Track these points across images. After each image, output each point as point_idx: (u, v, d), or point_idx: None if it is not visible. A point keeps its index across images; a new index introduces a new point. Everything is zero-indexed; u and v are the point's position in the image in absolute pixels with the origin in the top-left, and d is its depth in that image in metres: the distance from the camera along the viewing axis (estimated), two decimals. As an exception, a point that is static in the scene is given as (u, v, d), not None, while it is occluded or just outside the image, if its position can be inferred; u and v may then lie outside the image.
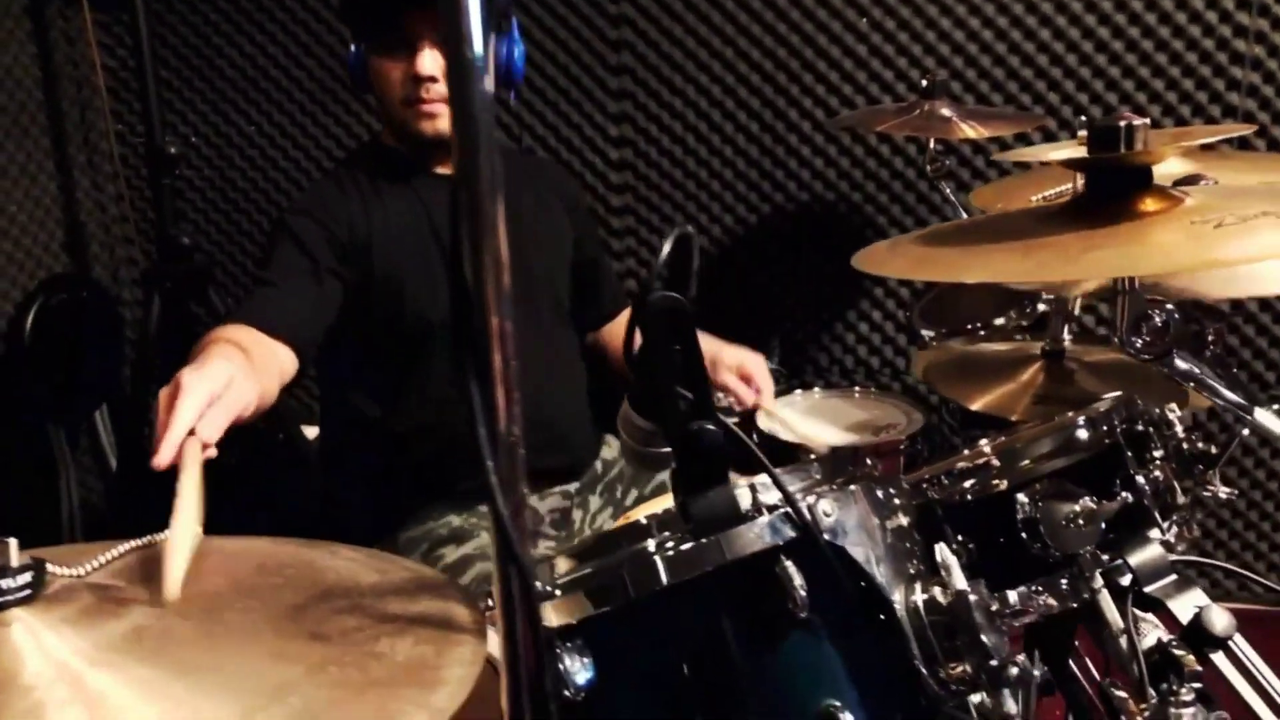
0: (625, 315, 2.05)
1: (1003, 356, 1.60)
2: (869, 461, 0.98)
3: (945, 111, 2.23)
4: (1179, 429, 1.14)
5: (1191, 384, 1.09)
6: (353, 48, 1.76)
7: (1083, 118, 2.16)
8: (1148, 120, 1.03)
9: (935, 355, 1.68)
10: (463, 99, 0.64)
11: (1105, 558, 1.04)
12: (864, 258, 1.13)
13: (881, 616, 0.86)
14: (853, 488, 0.89)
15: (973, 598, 0.85)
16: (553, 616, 0.86)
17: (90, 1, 2.64)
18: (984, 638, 0.84)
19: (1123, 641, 0.99)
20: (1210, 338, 1.35)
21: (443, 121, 1.71)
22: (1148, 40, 2.39)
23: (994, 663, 0.84)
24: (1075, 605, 1.03)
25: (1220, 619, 0.97)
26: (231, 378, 1.21)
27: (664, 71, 2.66)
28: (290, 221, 1.72)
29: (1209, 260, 0.96)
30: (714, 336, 1.83)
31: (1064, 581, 1.04)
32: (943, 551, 0.88)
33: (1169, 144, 1.11)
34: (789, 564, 0.84)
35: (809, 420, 2.27)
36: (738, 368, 1.82)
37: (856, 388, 2.05)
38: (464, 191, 0.64)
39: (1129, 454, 1.08)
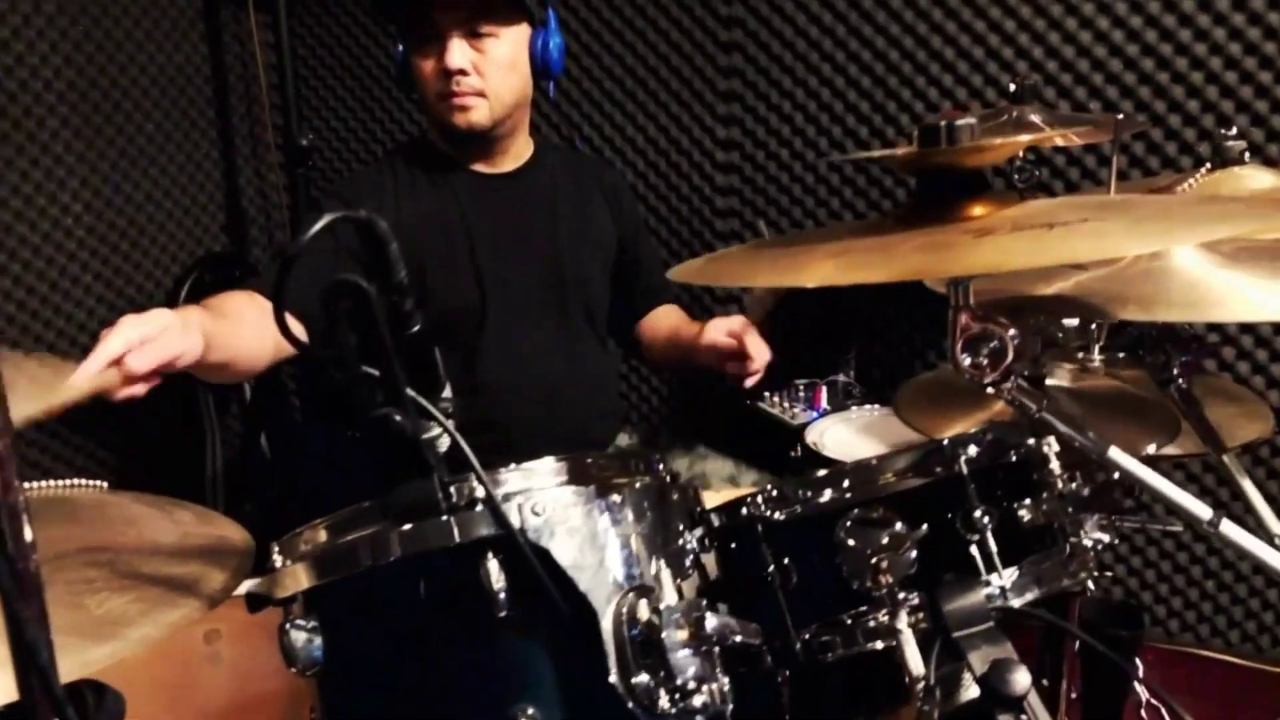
0: (665, 307, 2.08)
1: (970, 384, 1.47)
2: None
3: (1035, 117, 2.09)
4: (1054, 465, 1.04)
5: (1034, 415, 0.99)
6: (398, 47, 1.86)
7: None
8: (973, 120, 0.95)
9: (915, 382, 1.58)
10: None
11: (912, 596, 0.96)
12: (682, 270, 1.10)
13: (585, 623, 0.85)
14: (576, 489, 0.88)
15: (675, 616, 0.82)
16: (281, 587, 0.90)
17: (256, 6, 2.90)
18: (671, 657, 0.81)
19: (919, 688, 0.92)
20: (1175, 370, 1.21)
21: (475, 114, 1.77)
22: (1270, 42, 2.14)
23: (679, 683, 0.81)
24: (874, 646, 0.96)
25: (1016, 677, 0.88)
26: (168, 325, 1.30)
27: (773, 73, 2.63)
28: (323, 204, 1.85)
29: (1005, 262, 0.87)
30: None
31: (870, 619, 0.97)
32: (656, 565, 0.85)
33: (999, 143, 1.00)
34: (493, 561, 0.84)
35: (860, 437, 2.19)
36: (725, 328, 1.78)
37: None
38: None
39: (971, 486, 1.00)
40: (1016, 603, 0.99)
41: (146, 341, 1.27)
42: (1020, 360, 0.94)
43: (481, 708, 0.85)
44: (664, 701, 0.81)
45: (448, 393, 0.91)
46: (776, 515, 1.01)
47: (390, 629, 0.88)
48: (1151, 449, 1.26)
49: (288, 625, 0.90)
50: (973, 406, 1.41)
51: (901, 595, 0.95)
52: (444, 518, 0.84)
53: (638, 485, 0.92)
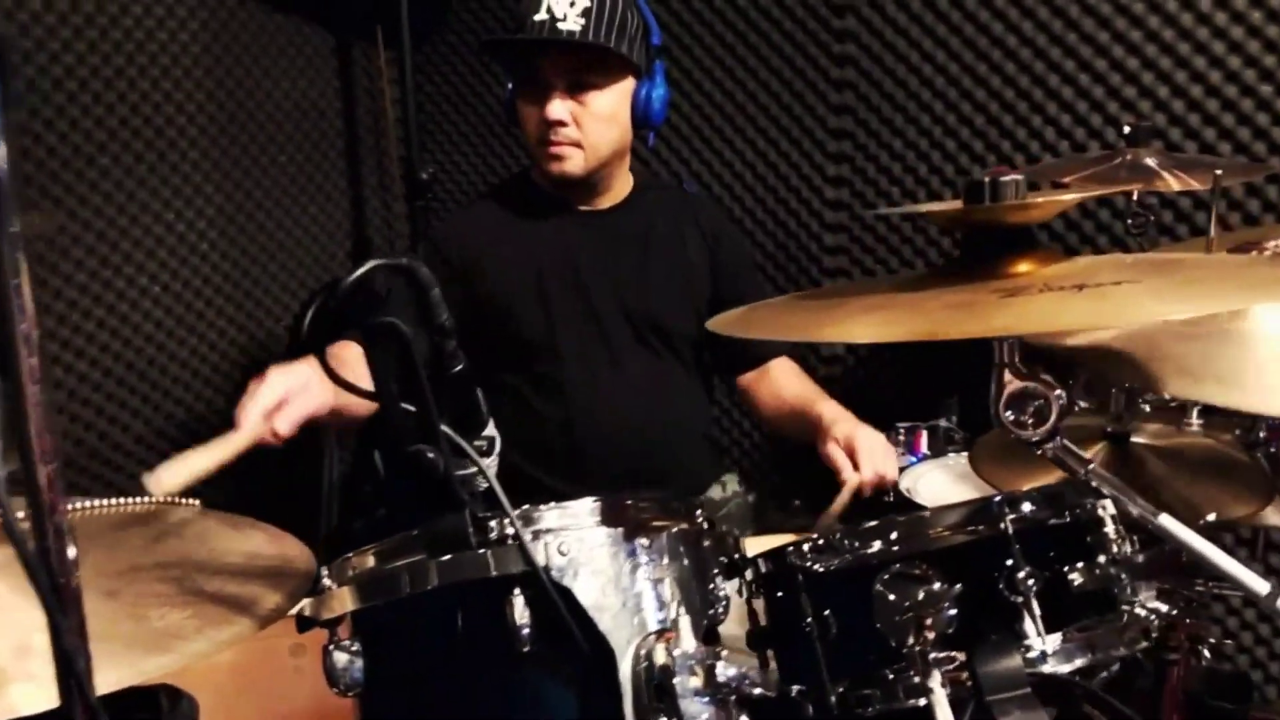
0: (783, 366, 2.06)
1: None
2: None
3: (1150, 161, 2.02)
4: (1109, 529, 1.00)
5: (1080, 475, 0.95)
6: (509, 86, 1.92)
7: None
8: (1018, 177, 0.93)
9: (992, 435, 1.52)
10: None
11: (952, 656, 0.94)
12: (721, 321, 1.10)
13: (605, 664, 0.86)
14: (606, 531, 0.89)
15: (689, 663, 0.83)
16: (327, 609, 0.95)
17: (385, 43, 3.04)
18: (683, 703, 0.82)
19: (951, 751, 0.90)
20: (1263, 434, 1.15)
21: (569, 164, 1.82)
22: None
23: (690, 731, 0.81)
24: (911, 703, 0.94)
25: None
26: (309, 380, 1.40)
27: (884, 111, 2.61)
28: (418, 248, 1.92)
29: (1021, 325, 0.84)
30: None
31: (907, 676, 0.96)
32: (678, 611, 0.86)
33: (1043, 201, 0.96)
34: (519, 597, 0.87)
35: (956, 484, 2.14)
36: (845, 439, 1.75)
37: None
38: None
39: (1017, 547, 0.97)
40: (1063, 669, 0.95)
41: (291, 393, 1.36)
42: (1065, 419, 0.92)
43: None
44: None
45: (490, 430, 0.94)
46: (817, 566, 1.00)
47: (424, 656, 0.91)
48: (1241, 513, 1.20)
49: (331, 646, 0.94)
50: (1047, 463, 1.36)
51: (935, 655, 0.93)
52: (475, 551, 0.86)
53: (671, 530, 0.93)
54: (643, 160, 2.88)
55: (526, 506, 0.92)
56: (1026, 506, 0.99)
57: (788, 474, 2.70)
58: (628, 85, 1.82)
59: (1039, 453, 0.94)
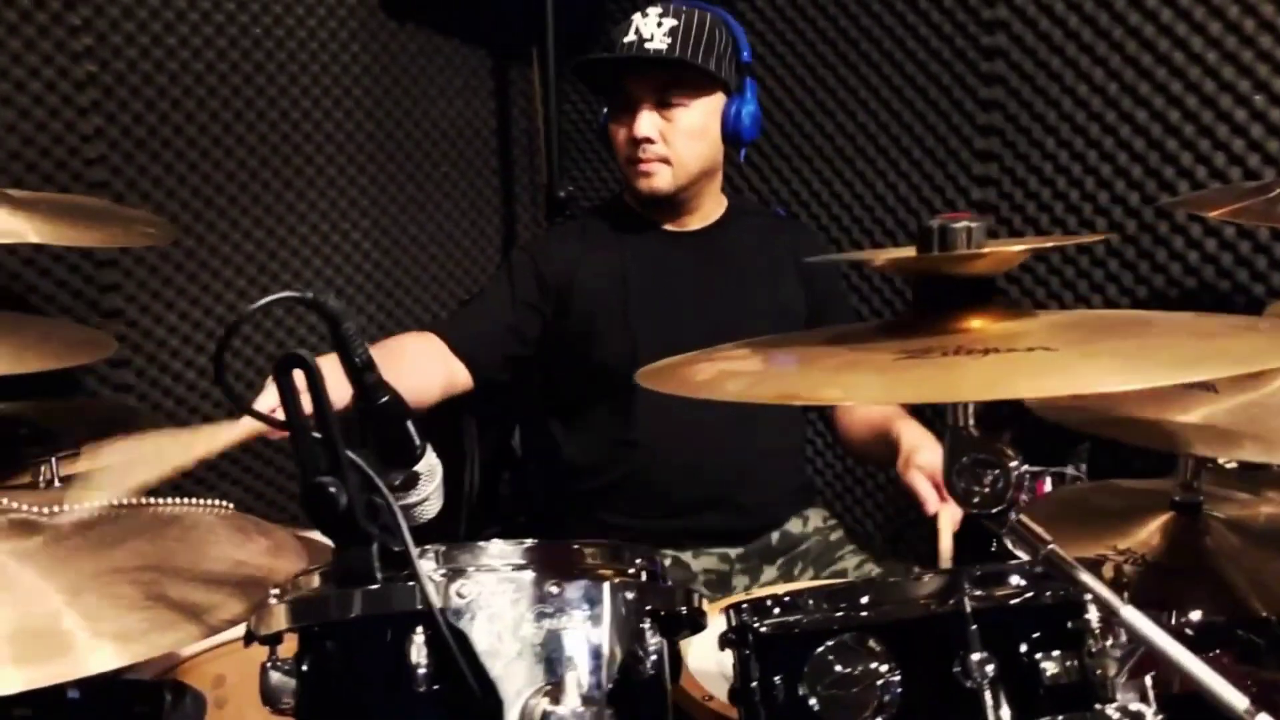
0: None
1: (1117, 505, 1.27)
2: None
3: (1311, 196, 1.80)
4: (1091, 615, 0.89)
5: (1039, 554, 0.84)
6: (604, 110, 1.94)
7: None
8: (974, 224, 0.82)
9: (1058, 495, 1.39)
10: None
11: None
12: (647, 374, 1.03)
13: (494, 712, 0.84)
14: (512, 576, 0.87)
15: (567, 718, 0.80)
16: (265, 624, 0.97)
17: (540, 63, 3.11)
18: None
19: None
20: None
21: (657, 180, 1.82)
22: None
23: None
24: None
25: None
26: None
27: (1035, 133, 2.45)
28: (513, 256, 1.96)
29: (900, 394, 0.75)
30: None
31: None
32: (571, 665, 0.83)
33: (990, 251, 0.83)
34: (419, 635, 0.86)
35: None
36: (929, 468, 1.66)
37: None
38: None
39: (973, 628, 0.88)
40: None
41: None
42: (1021, 491, 0.82)
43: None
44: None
45: (428, 461, 0.94)
46: (762, 627, 0.94)
47: (338, 685, 0.92)
48: None
49: (268, 664, 0.96)
50: (1112, 532, 1.23)
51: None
52: (373, 587, 0.86)
53: (595, 580, 0.90)
54: (765, 180, 2.83)
55: (447, 545, 0.91)
56: (992, 583, 0.89)
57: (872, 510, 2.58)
58: (716, 101, 1.81)
59: (997, 529, 0.84)
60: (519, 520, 3.20)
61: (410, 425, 0.93)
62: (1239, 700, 0.76)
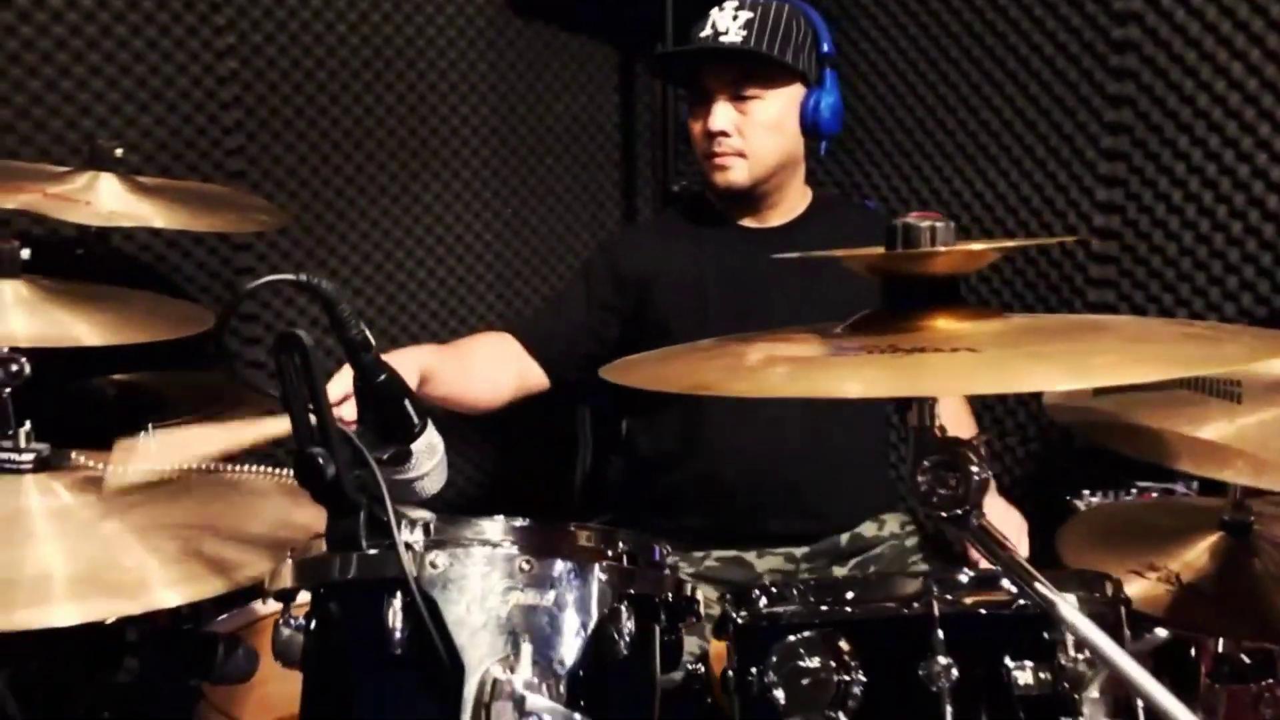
0: (948, 399, 1.92)
1: (1169, 523, 1.20)
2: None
3: None
4: (1067, 631, 0.85)
5: (999, 561, 0.81)
6: (685, 107, 1.95)
7: None
8: (940, 223, 0.80)
9: (1087, 514, 1.32)
10: None
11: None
12: (612, 369, 1.04)
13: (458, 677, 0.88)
14: (486, 551, 0.91)
15: (506, 690, 0.83)
16: (273, 582, 1.03)
17: (667, 60, 3.14)
18: None
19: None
20: None
21: (733, 173, 1.82)
22: None
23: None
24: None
25: None
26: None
27: (1167, 132, 2.33)
28: (592, 256, 1.99)
29: (838, 388, 0.73)
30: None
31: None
32: (524, 642, 0.86)
33: (961, 250, 0.78)
34: (396, 601, 0.91)
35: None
36: None
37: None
38: None
39: (939, 633, 0.86)
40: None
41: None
42: (983, 495, 0.80)
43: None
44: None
45: (422, 442, 0.99)
46: (739, 617, 0.95)
47: (332, 644, 0.98)
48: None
49: (279, 622, 1.03)
50: (1159, 552, 1.17)
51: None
52: (355, 553, 0.91)
53: (569, 560, 0.92)
54: (885, 177, 2.77)
55: (436, 516, 0.95)
56: (962, 590, 0.87)
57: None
58: (793, 93, 1.80)
59: (959, 532, 0.82)
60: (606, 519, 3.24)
61: (407, 404, 0.98)
62: (1185, 714, 0.72)
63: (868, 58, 2.82)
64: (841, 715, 0.87)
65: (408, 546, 0.90)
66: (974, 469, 0.80)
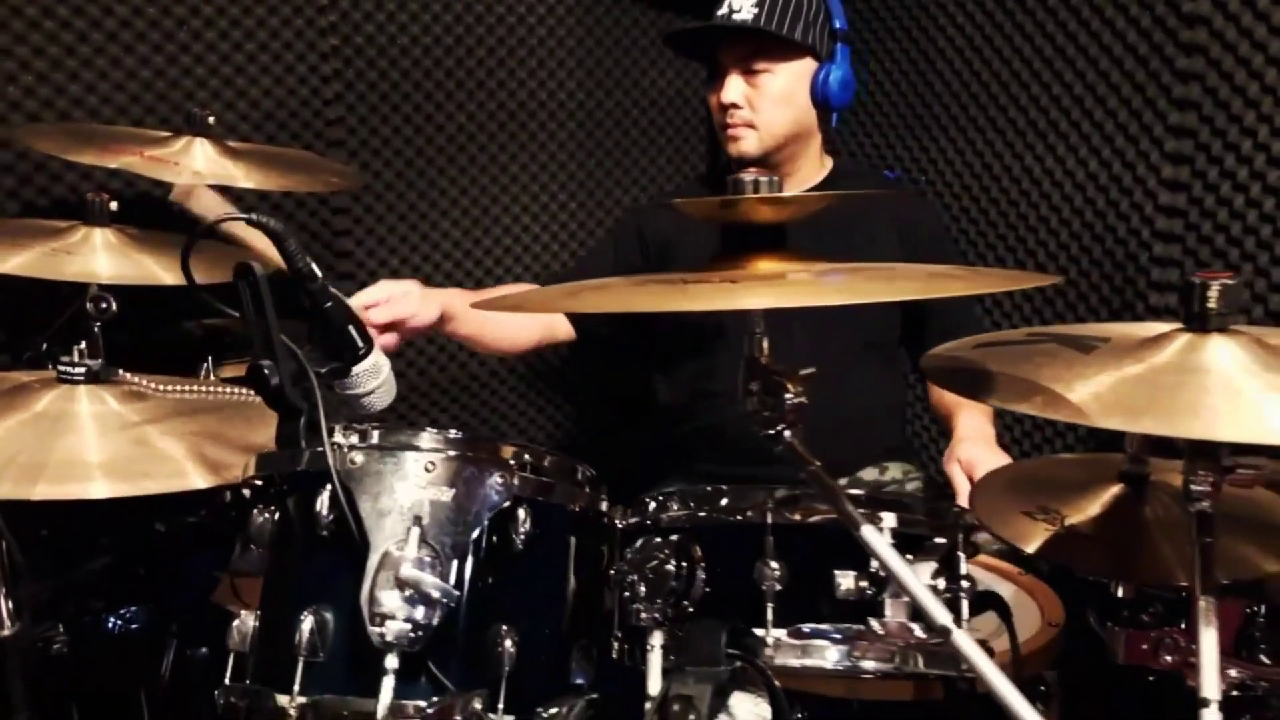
0: None
1: (1073, 476, 1.24)
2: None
3: None
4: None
5: (803, 470, 0.90)
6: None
7: None
8: (770, 178, 0.89)
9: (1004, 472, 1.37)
10: None
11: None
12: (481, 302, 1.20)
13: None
14: (396, 453, 1.06)
15: (391, 559, 0.99)
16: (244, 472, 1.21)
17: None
18: (376, 593, 0.98)
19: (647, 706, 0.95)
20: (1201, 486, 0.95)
21: (744, 144, 1.93)
22: None
23: (378, 610, 0.98)
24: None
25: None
26: (407, 292, 1.71)
27: (1234, 108, 2.29)
28: (622, 219, 2.13)
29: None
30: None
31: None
32: (415, 528, 1.01)
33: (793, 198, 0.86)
34: (325, 492, 1.08)
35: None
36: (967, 462, 1.71)
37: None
38: None
39: (770, 539, 0.96)
40: (791, 663, 0.95)
41: (392, 299, 1.68)
42: (797, 416, 0.90)
43: (301, 601, 1.08)
44: (369, 623, 0.99)
45: (367, 362, 1.15)
46: (618, 521, 1.08)
47: (282, 528, 1.15)
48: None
49: (256, 510, 1.21)
50: (1059, 501, 1.23)
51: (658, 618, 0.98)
52: (294, 450, 1.09)
53: (458, 463, 1.07)
54: (942, 152, 2.79)
55: (374, 424, 1.11)
56: (797, 505, 0.97)
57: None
58: (803, 67, 1.88)
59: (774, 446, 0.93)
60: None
61: (352, 329, 1.14)
62: (945, 617, 0.81)
63: (901, 25, 2.86)
64: (689, 606, 0.98)
65: (335, 446, 1.06)
66: (788, 395, 0.90)
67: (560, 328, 2.04)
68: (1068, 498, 1.21)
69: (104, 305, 1.86)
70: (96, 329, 1.85)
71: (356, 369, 1.15)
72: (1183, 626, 1.19)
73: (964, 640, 0.79)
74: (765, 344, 0.95)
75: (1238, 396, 0.90)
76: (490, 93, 3.02)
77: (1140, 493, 1.18)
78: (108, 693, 1.84)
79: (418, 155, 2.97)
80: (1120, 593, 1.20)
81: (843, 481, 1.99)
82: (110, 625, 1.86)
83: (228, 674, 1.11)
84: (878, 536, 0.86)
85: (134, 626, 1.90)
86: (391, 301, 1.69)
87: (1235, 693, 1.26)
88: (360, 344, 1.15)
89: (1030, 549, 1.16)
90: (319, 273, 1.13)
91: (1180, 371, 0.95)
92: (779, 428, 0.92)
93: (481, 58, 2.99)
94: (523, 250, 3.15)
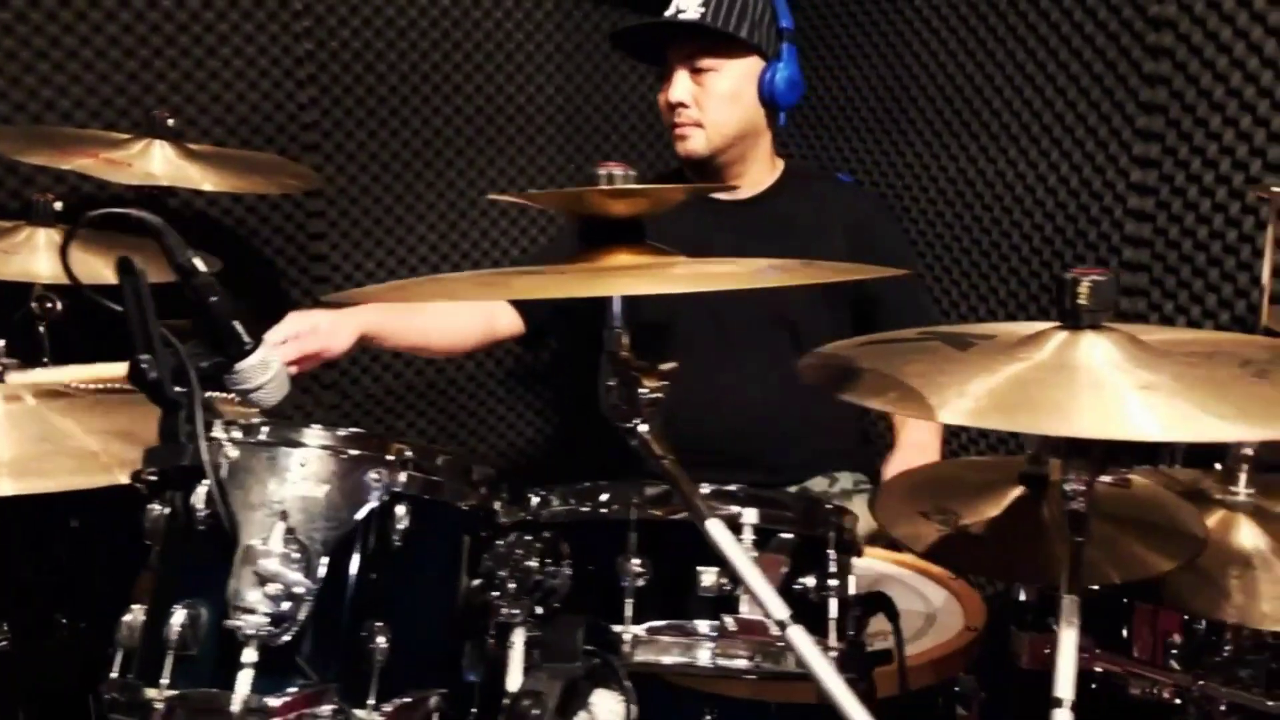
0: None
1: (975, 479, 1.22)
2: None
3: None
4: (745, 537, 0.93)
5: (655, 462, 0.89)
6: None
7: None
8: (627, 171, 0.89)
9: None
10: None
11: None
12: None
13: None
14: (270, 449, 1.06)
15: (252, 554, 0.99)
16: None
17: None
18: (236, 585, 0.98)
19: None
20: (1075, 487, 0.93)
21: (692, 143, 1.92)
22: None
23: (241, 603, 0.98)
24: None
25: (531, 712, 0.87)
26: (314, 326, 1.68)
27: (1200, 111, 2.26)
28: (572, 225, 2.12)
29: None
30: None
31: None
32: (280, 522, 1.01)
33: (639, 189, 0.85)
34: (203, 486, 1.08)
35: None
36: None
37: None
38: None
39: (634, 535, 0.95)
40: (651, 660, 0.94)
41: (300, 335, 1.67)
42: (651, 410, 0.90)
43: (176, 595, 1.08)
44: (230, 616, 1.00)
45: (255, 358, 1.15)
46: (501, 518, 1.07)
47: (170, 521, 1.15)
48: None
49: (148, 505, 1.20)
50: (961, 504, 1.21)
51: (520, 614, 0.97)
52: (175, 444, 1.09)
53: (330, 459, 1.07)
54: (917, 155, 2.77)
55: (250, 418, 1.11)
56: (646, 499, 0.96)
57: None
58: (749, 67, 1.87)
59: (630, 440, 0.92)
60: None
61: (237, 325, 1.14)
62: (781, 611, 0.80)
63: (863, 29, 2.85)
64: (554, 603, 0.98)
65: (210, 440, 1.07)
66: (642, 390, 0.90)
67: (502, 321, 2.02)
68: (968, 499, 1.19)
69: (49, 305, 1.88)
70: (42, 329, 1.86)
71: (241, 365, 1.15)
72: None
73: (798, 635, 0.78)
74: (625, 338, 0.94)
75: (1103, 393, 0.89)
76: (466, 97, 3.03)
77: (1039, 494, 1.16)
78: (54, 693, 1.85)
79: (393, 159, 2.98)
80: (1023, 596, 1.18)
81: (791, 491, 1.97)
82: (58, 625, 1.88)
83: (115, 669, 1.11)
84: (721, 529, 0.85)
85: (82, 625, 1.91)
86: (300, 338, 1.68)
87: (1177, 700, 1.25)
88: (246, 340, 1.15)
89: (920, 549, 1.15)
90: (202, 268, 1.13)
91: (1052, 369, 0.94)
92: (634, 421, 0.91)
93: (458, 62, 3.00)
94: (500, 255, 3.16)
